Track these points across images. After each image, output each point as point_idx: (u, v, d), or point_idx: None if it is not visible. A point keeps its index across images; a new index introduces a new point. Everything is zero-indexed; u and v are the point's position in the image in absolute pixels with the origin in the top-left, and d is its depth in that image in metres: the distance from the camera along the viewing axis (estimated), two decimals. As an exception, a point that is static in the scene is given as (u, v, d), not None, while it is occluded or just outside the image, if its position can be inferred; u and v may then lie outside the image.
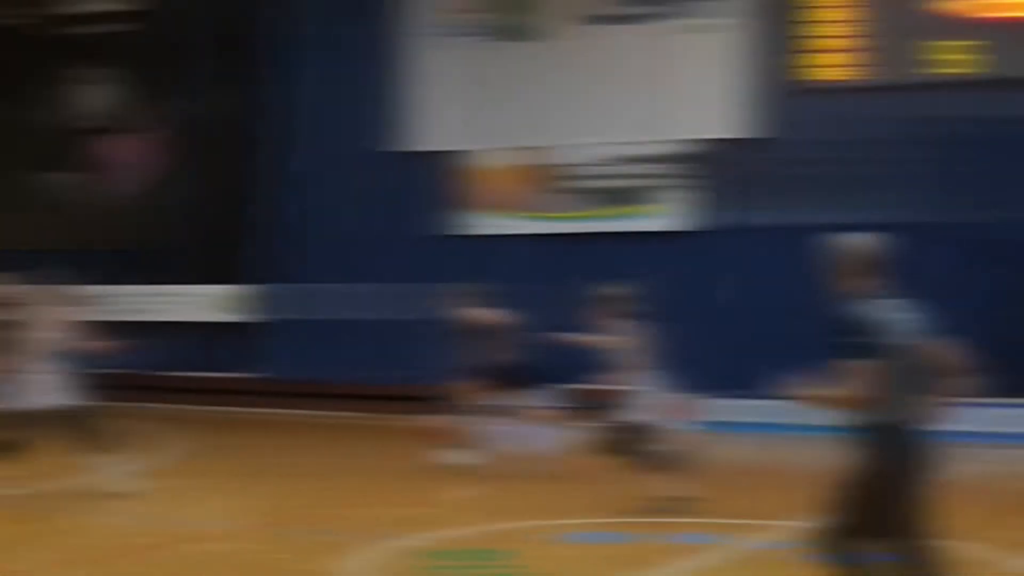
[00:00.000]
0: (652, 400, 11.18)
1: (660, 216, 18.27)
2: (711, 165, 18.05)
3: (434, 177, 19.66)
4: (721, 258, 18.05)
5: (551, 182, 18.93)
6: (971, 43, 17.35)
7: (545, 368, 13.75)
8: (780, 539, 9.78)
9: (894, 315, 6.11)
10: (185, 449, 15.97)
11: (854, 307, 6.07)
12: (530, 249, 19.05)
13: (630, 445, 11.10)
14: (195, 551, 9.87)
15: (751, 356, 17.89)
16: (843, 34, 17.92)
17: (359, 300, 19.99)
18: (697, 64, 17.97)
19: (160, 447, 15.99)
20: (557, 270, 18.95)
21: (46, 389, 11.77)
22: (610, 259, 18.44)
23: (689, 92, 18.02)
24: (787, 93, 17.77)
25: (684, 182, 18.07)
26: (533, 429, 13.33)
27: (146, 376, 21.55)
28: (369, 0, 20.19)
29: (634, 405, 11.17)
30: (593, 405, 12.14)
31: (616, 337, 11.24)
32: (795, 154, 17.69)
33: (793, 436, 17.08)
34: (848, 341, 5.98)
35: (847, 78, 17.84)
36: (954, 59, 17.45)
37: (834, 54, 17.89)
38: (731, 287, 18.01)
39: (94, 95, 22.24)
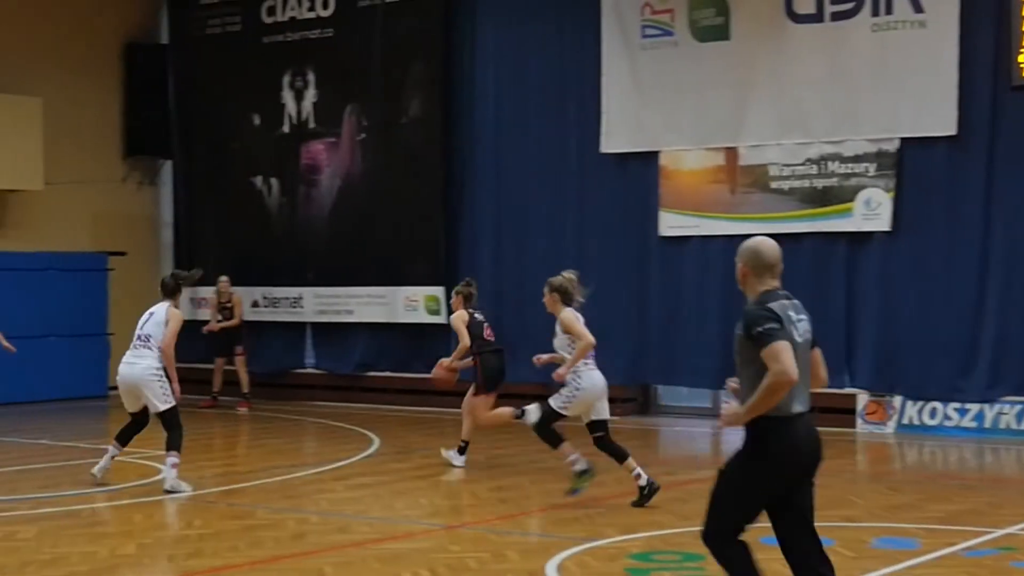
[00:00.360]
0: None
1: (859, 216, 18.03)
2: (913, 164, 17.75)
3: (632, 179, 19.68)
4: (922, 258, 17.73)
5: (748, 183, 18.81)
6: None
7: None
8: (995, 545, 9.68)
9: (791, 313, 6.65)
10: (385, 448, 16.27)
11: (762, 303, 6.62)
12: (724, 251, 18.95)
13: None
14: (395, 549, 10.09)
15: (949, 358, 17.63)
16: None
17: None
18: (899, 61, 17.66)
19: (360, 446, 16.35)
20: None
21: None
22: (808, 260, 18.32)
23: (890, 90, 17.72)
24: (996, 90, 17.33)
25: (884, 182, 17.81)
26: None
27: (346, 376, 22.07)
28: (565, 2, 20.31)
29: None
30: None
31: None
32: (1006, 153, 17.30)
33: (999, 440, 16.85)
34: (766, 329, 6.46)
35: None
36: None
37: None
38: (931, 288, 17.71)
39: (299, 101, 22.73)
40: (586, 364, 12.25)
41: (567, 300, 12.53)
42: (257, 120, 23.20)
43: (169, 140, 24.21)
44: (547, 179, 20.35)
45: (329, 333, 22.45)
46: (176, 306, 13.41)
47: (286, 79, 22.79)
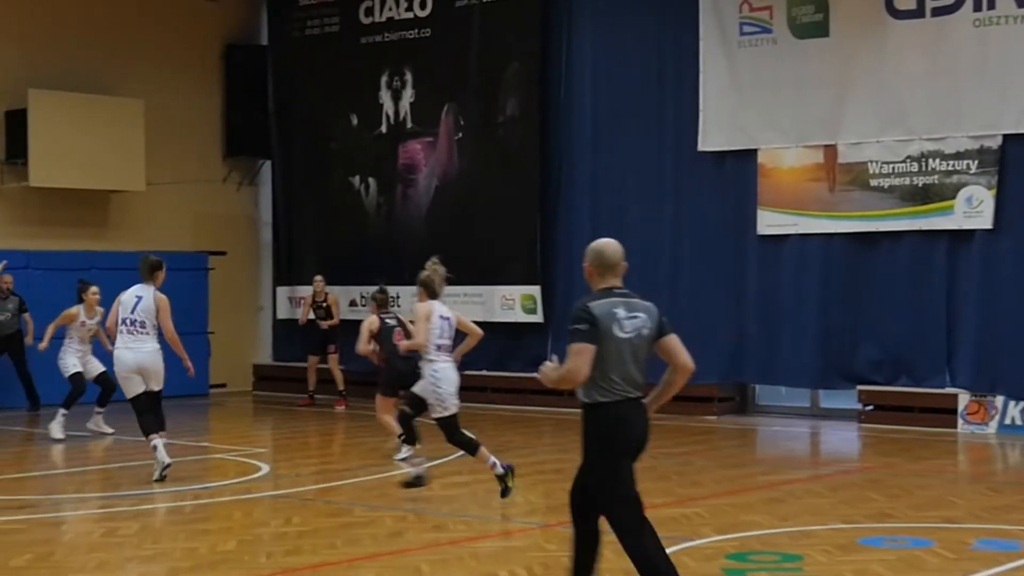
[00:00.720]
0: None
1: (960, 214, 17.80)
2: (1015, 161, 17.50)
3: (730, 177, 19.57)
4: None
5: (847, 180, 18.64)
6: None
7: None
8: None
9: (618, 310, 7.31)
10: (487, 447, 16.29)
11: (587, 301, 7.32)
12: (823, 249, 18.81)
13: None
14: (491, 547, 10.11)
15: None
16: None
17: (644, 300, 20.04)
18: (1002, 57, 17.41)
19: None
20: (851, 270, 18.69)
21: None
22: (908, 258, 18.13)
23: (992, 86, 17.47)
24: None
25: (986, 179, 17.58)
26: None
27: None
28: (663, 1, 20.21)
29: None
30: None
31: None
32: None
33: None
34: (574, 328, 7.25)
35: None
36: None
37: None
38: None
39: (396, 101, 22.85)
40: (443, 361, 12.39)
41: (432, 294, 12.67)
42: (355, 120, 23.35)
43: (268, 140, 24.46)
44: (644, 178, 20.29)
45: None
46: (158, 288, 13.77)
47: (384, 79, 22.92)
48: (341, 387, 21.29)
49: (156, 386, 13.54)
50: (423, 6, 22.40)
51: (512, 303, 21.35)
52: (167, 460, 13.20)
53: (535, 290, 21.07)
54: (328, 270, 21.96)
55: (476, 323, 21.45)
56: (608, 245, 7.51)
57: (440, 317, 12.55)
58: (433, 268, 12.82)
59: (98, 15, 22.71)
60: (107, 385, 16.94)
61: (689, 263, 19.92)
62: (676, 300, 19.67)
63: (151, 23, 23.38)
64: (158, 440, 13.23)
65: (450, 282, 13.05)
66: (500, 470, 12.05)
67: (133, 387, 13.41)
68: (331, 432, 18.52)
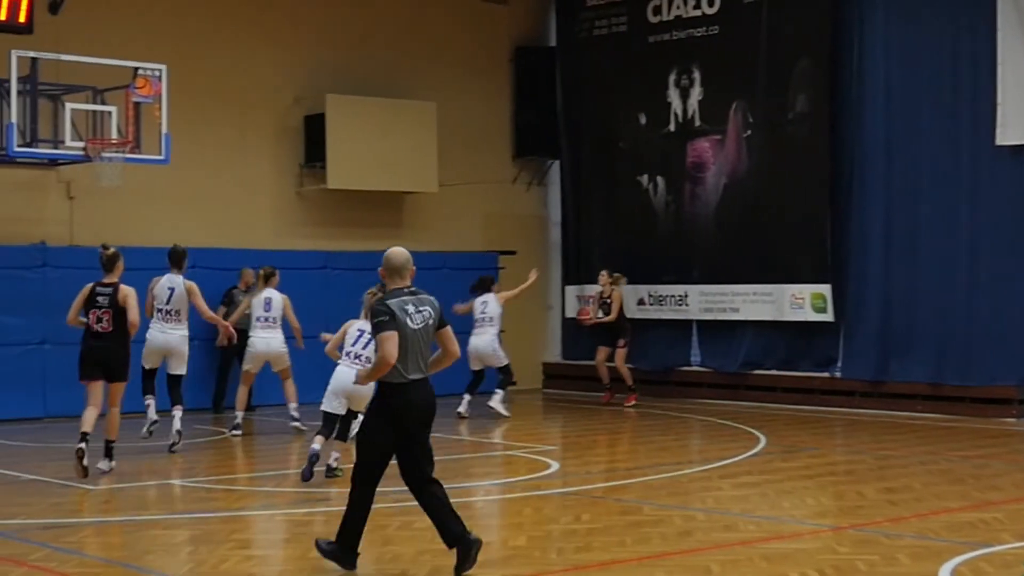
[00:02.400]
0: None
1: None
2: None
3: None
4: None
5: None
6: None
7: None
8: None
9: (409, 306, 8.90)
10: (771, 447, 16.15)
11: (383, 300, 8.93)
12: None
13: None
14: (781, 549, 10.01)
15: None
16: None
17: (939, 299, 19.57)
18: None
19: (746, 444, 16.28)
20: None
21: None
22: None
23: None
24: None
25: None
26: None
27: (732, 374, 22.01)
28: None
29: None
30: None
31: None
32: None
33: None
34: (378, 321, 8.80)
35: None
36: None
37: None
38: None
39: (684, 99, 22.80)
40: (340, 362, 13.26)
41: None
42: (643, 119, 23.39)
43: (557, 141, 24.70)
44: (938, 174, 19.77)
45: (714, 331, 22.44)
46: (183, 274, 15.56)
47: (672, 77, 22.90)
48: (630, 382, 21.39)
49: (179, 370, 15.53)
50: (711, 3, 22.29)
51: (802, 302, 21.07)
52: (154, 418, 15.33)
53: (826, 288, 20.75)
54: (616, 269, 22.03)
55: (765, 322, 21.42)
56: (395, 252, 9.16)
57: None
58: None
59: (391, 21, 23.28)
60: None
61: (987, 260, 19.31)
62: (972, 297, 19.18)
63: (442, 27, 23.87)
64: (151, 400, 15.39)
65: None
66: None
67: (152, 361, 15.51)
68: (620, 430, 18.60)
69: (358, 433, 9.55)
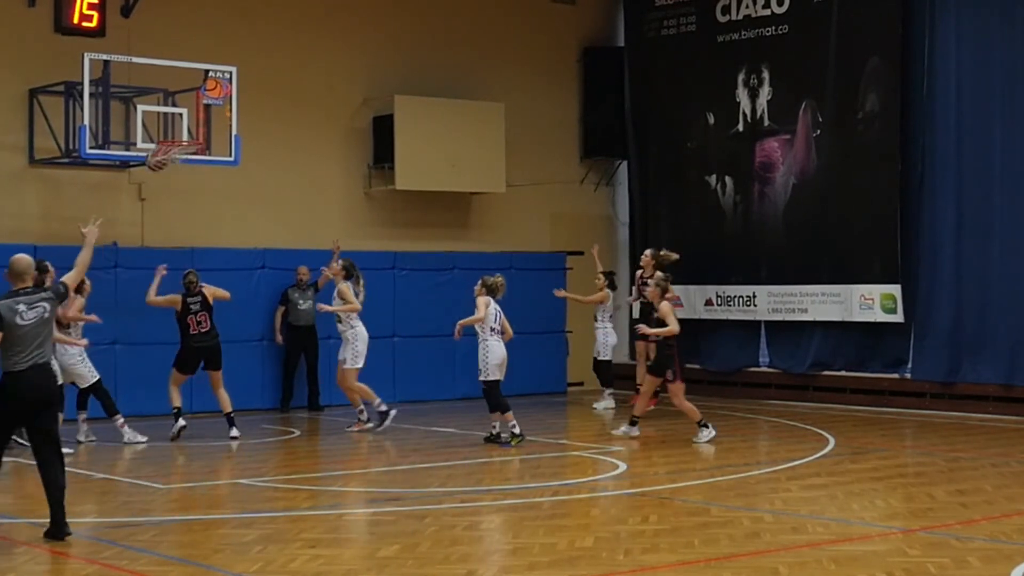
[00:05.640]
0: None
1: None
2: None
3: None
4: None
5: None
6: None
7: None
8: None
9: (20, 306, 10.13)
10: (840, 448, 16.05)
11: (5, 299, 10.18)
12: None
13: None
14: (850, 551, 9.95)
15: None
16: None
17: (1011, 300, 19.38)
18: None
19: (815, 445, 16.19)
20: None
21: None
22: None
23: None
24: None
25: None
26: None
27: (800, 375, 21.88)
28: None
29: None
30: None
31: None
32: None
33: None
34: None
35: None
36: None
37: None
38: None
39: (753, 98, 22.69)
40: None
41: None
42: (711, 119, 23.30)
43: (624, 141, 24.65)
44: (1011, 174, 19.55)
45: (783, 331, 22.32)
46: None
47: (741, 77, 22.79)
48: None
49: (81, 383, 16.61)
50: (780, 3, 22.17)
51: (871, 302, 20.92)
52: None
53: (895, 289, 20.60)
54: (685, 269, 21.94)
55: (834, 323, 21.29)
56: (17, 258, 10.36)
57: None
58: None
59: (459, 22, 23.33)
60: None
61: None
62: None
63: (510, 28, 23.89)
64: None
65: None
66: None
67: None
68: (686, 431, 18.52)
69: None
